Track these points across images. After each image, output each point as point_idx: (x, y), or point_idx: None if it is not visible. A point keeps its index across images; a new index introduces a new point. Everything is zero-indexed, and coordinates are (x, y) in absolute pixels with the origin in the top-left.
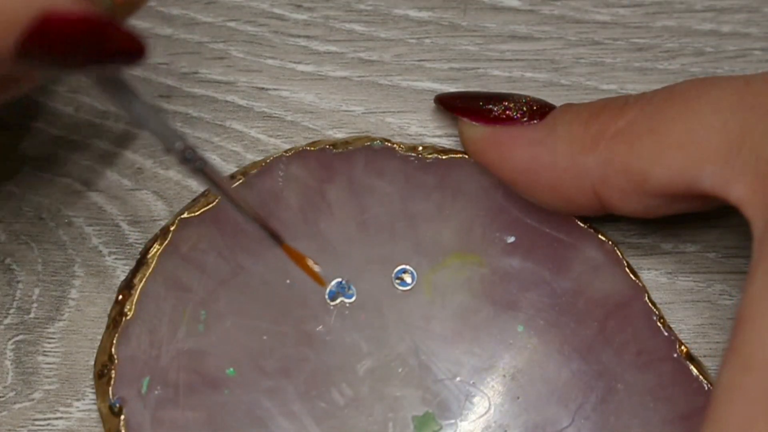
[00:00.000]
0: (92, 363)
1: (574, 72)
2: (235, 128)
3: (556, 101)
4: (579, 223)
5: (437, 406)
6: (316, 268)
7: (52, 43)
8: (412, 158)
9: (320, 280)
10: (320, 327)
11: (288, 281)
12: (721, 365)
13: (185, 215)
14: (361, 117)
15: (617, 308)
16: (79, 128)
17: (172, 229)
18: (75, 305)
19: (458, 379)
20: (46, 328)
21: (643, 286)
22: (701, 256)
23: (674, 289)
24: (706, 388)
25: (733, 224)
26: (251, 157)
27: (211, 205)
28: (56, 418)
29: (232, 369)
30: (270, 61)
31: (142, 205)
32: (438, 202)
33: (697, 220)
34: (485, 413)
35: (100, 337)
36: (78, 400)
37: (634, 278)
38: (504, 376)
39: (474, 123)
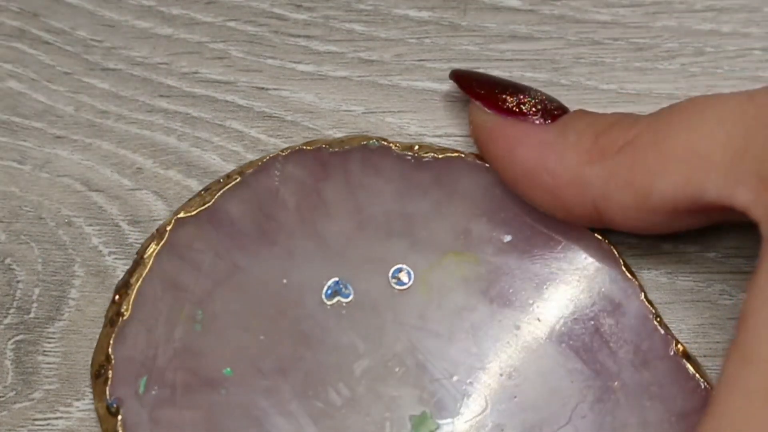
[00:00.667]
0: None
1: (574, 72)
2: (235, 128)
3: None
4: None
5: (434, 406)
6: None
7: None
8: (409, 157)
9: None
10: (316, 327)
11: (285, 281)
12: (724, 360)
13: (181, 215)
14: (361, 117)
15: (614, 307)
16: (79, 128)
17: (168, 229)
18: (75, 305)
19: (455, 378)
20: (46, 328)
21: (640, 284)
22: (701, 256)
23: (674, 289)
24: (703, 386)
25: (733, 224)
26: (251, 156)
27: (207, 205)
28: (56, 418)
29: (229, 369)
30: (270, 61)
31: (142, 205)
32: (434, 201)
33: None
34: (482, 412)
35: None
36: (78, 399)
37: (630, 277)
38: (501, 375)
39: (486, 109)
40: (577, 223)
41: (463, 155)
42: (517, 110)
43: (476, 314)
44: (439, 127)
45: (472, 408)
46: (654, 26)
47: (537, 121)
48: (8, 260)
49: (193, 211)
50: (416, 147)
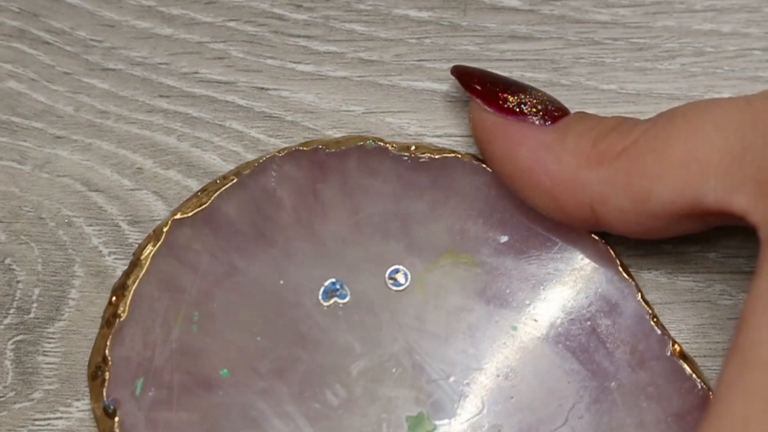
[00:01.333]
0: None
1: (574, 72)
2: (235, 128)
3: None
4: None
5: (431, 407)
6: None
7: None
8: (405, 158)
9: None
10: (313, 328)
11: (281, 282)
12: (723, 362)
13: (178, 216)
14: (361, 117)
15: (611, 308)
16: (79, 128)
17: (165, 230)
18: (75, 305)
19: (452, 379)
20: (46, 328)
21: (637, 285)
22: (701, 256)
23: (674, 289)
24: (700, 387)
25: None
26: (251, 157)
27: (204, 206)
28: (56, 418)
29: (225, 370)
30: (270, 61)
31: (142, 205)
32: (431, 202)
33: None
34: (479, 413)
35: None
36: (78, 400)
37: (627, 277)
38: (497, 376)
39: (486, 108)
40: (574, 225)
41: (459, 156)
42: (518, 110)
43: (473, 315)
44: (439, 127)
45: (469, 409)
46: (654, 26)
47: (537, 122)
48: (8, 260)
49: (190, 212)
50: (413, 147)
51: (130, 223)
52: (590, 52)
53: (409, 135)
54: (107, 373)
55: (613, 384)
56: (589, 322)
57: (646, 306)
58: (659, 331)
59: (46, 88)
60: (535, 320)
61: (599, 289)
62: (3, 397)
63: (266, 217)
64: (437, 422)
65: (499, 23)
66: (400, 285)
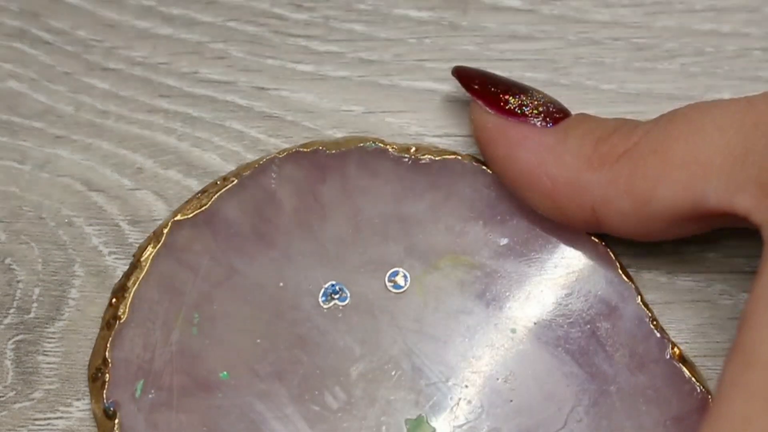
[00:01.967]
0: None
1: (574, 72)
2: (235, 128)
3: None
4: None
5: (430, 409)
6: None
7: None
8: (406, 159)
9: None
10: (313, 330)
11: (281, 284)
12: (724, 362)
13: (178, 218)
14: (361, 117)
15: (610, 310)
16: (79, 128)
17: (165, 231)
18: (75, 305)
19: (451, 381)
20: (46, 328)
21: (636, 287)
22: (701, 256)
23: (674, 289)
24: (699, 390)
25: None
26: (251, 157)
27: (204, 208)
28: (56, 418)
29: (225, 372)
30: (270, 61)
31: (142, 205)
32: (431, 204)
33: None
34: (478, 416)
35: None
36: (78, 399)
37: (626, 280)
38: (497, 378)
39: (487, 109)
40: (575, 227)
41: (460, 157)
42: (519, 112)
43: (472, 317)
44: (439, 127)
45: (468, 411)
46: (654, 26)
47: (538, 124)
48: (8, 260)
49: (190, 213)
50: (413, 149)
51: (130, 223)
52: (590, 52)
53: (410, 135)
54: (107, 375)
55: (612, 387)
56: (588, 325)
57: (645, 309)
58: (659, 334)
59: (46, 88)
60: (535, 323)
61: (599, 292)
62: (3, 396)
63: (266, 218)
64: (436, 425)
65: (499, 23)
66: (400, 287)
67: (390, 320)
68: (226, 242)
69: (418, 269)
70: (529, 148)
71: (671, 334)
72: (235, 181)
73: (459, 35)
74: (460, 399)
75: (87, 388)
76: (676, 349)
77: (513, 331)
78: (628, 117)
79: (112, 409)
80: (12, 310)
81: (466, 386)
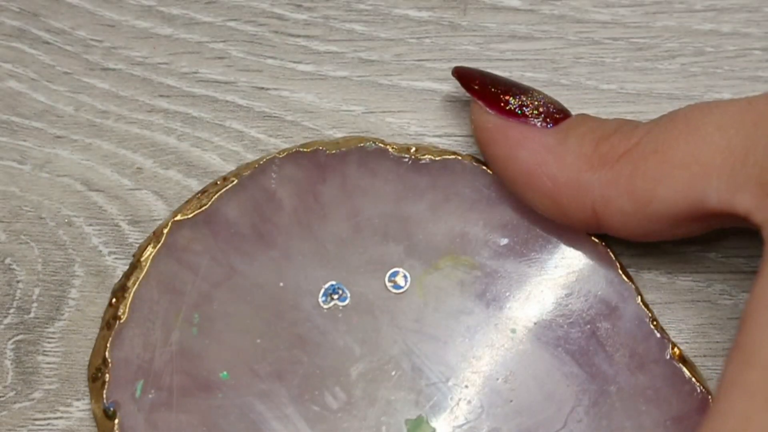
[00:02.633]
0: None
1: (574, 72)
2: (235, 128)
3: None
4: None
5: (430, 409)
6: None
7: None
8: (406, 159)
9: None
10: (313, 330)
11: (281, 284)
12: (725, 362)
13: (178, 218)
14: (361, 117)
15: (610, 311)
16: (79, 128)
17: (165, 231)
18: (75, 305)
19: (451, 382)
20: (46, 328)
21: (636, 287)
22: (701, 256)
23: (674, 289)
24: (699, 390)
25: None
26: (251, 156)
27: (204, 208)
28: (56, 418)
29: (225, 372)
30: (270, 61)
31: (142, 205)
32: (431, 204)
33: None
34: (478, 416)
35: None
36: (78, 399)
37: (627, 280)
38: (497, 379)
39: (488, 110)
40: (575, 227)
41: (460, 157)
42: (519, 112)
43: (472, 317)
44: (439, 127)
45: (468, 412)
46: (654, 26)
47: (538, 124)
48: (8, 260)
49: (190, 213)
50: (413, 149)
51: (130, 223)
52: (590, 52)
53: (410, 135)
54: (107, 375)
55: (612, 387)
56: (588, 326)
57: (645, 309)
58: (659, 334)
59: (46, 88)
60: (535, 323)
61: (599, 292)
62: (3, 396)
63: (266, 218)
64: (436, 425)
65: (499, 23)
66: (400, 288)
67: (390, 320)
68: (226, 242)
69: (418, 269)
70: (529, 148)
71: (671, 334)
72: (235, 181)
73: (459, 35)
74: (460, 399)
75: (87, 388)
76: (676, 349)
77: (513, 331)
78: (628, 117)
79: (112, 409)
80: (12, 310)
81: (466, 386)
